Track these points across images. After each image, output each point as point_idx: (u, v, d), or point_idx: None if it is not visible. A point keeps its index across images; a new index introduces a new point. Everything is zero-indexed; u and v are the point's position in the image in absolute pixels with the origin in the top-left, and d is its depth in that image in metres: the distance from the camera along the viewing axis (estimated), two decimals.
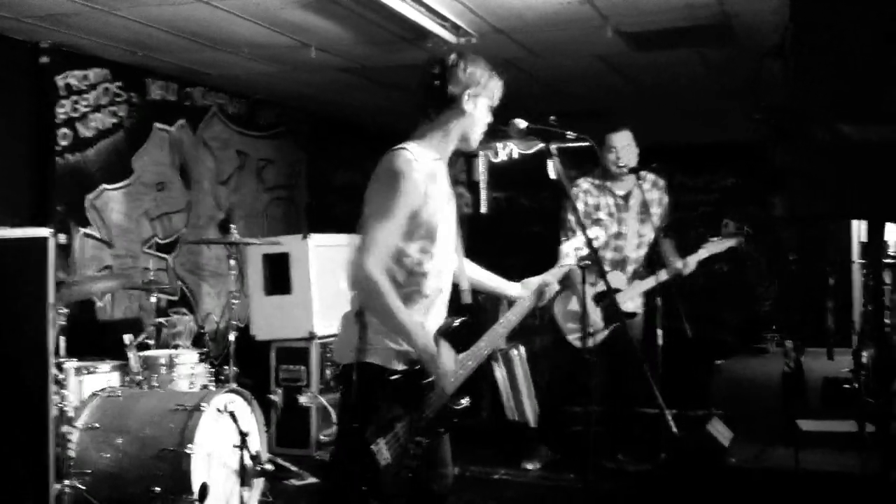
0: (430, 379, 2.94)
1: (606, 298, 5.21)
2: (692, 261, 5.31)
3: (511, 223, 11.49)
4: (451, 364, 2.94)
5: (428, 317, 3.03)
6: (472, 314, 3.18)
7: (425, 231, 2.96)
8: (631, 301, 5.38)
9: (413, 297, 2.98)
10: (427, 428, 3.00)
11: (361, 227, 2.90)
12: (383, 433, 2.92)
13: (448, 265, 3.11)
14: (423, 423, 2.99)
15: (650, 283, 5.37)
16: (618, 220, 5.40)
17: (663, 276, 5.31)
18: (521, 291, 3.34)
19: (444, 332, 3.02)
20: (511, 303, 3.41)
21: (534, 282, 3.34)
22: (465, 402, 3.06)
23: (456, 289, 3.24)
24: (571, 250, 3.44)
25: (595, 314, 5.34)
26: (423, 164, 2.92)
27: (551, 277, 3.36)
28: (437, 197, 2.98)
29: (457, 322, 3.08)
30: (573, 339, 5.43)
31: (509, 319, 3.28)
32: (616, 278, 5.36)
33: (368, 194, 2.96)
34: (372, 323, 2.93)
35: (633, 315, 5.40)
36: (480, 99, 3.06)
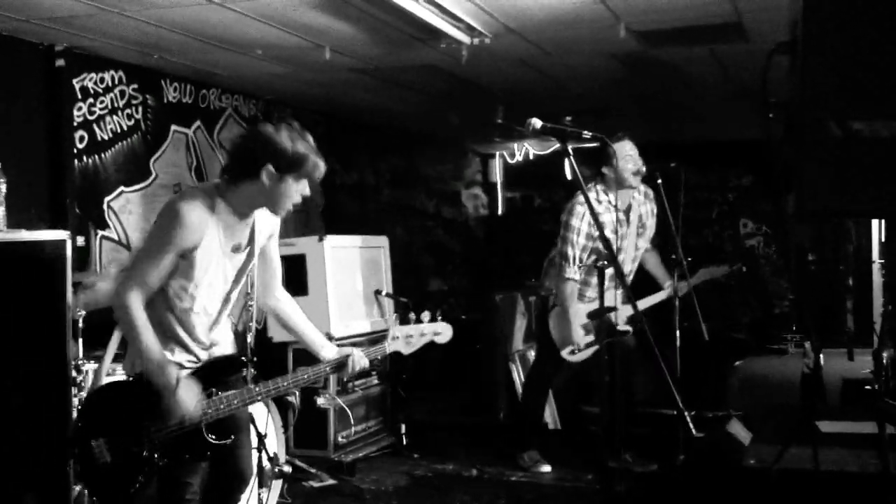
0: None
1: (600, 316, 5.23)
2: (687, 285, 5.34)
3: (525, 222, 11.49)
4: (190, 399, 3.05)
5: (190, 344, 3.22)
6: (259, 354, 3.39)
7: (189, 272, 3.13)
8: (622, 320, 5.40)
9: (175, 323, 3.18)
10: (168, 447, 3.11)
11: (133, 254, 3.10)
12: (106, 434, 3.11)
13: (215, 305, 3.26)
14: (158, 438, 3.10)
15: (652, 301, 5.40)
16: (620, 236, 5.36)
17: (659, 297, 5.37)
18: (331, 355, 3.43)
19: (214, 363, 3.24)
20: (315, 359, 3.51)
21: (345, 352, 3.43)
22: (227, 441, 3.19)
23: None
24: (402, 335, 3.50)
25: (585, 330, 5.40)
26: (210, 209, 3.09)
27: (364, 356, 3.43)
28: (215, 247, 3.14)
29: (224, 357, 3.30)
30: (565, 353, 5.48)
31: (299, 378, 3.38)
32: (612, 296, 5.36)
33: (153, 224, 3.21)
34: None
35: (625, 333, 5.41)
36: (286, 176, 3.10)
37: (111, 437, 3.11)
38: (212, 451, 3.18)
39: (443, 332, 3.57)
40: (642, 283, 5.67)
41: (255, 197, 3.15)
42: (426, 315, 3.53)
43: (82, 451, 3.15)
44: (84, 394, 4.50)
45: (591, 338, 5.43)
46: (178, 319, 3.20)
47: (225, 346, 3.37)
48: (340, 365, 3.39)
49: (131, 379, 3.20)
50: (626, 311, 5.35)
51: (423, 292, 9.97)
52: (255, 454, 4.46)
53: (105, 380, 3.87)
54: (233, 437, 3.22)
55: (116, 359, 5.10)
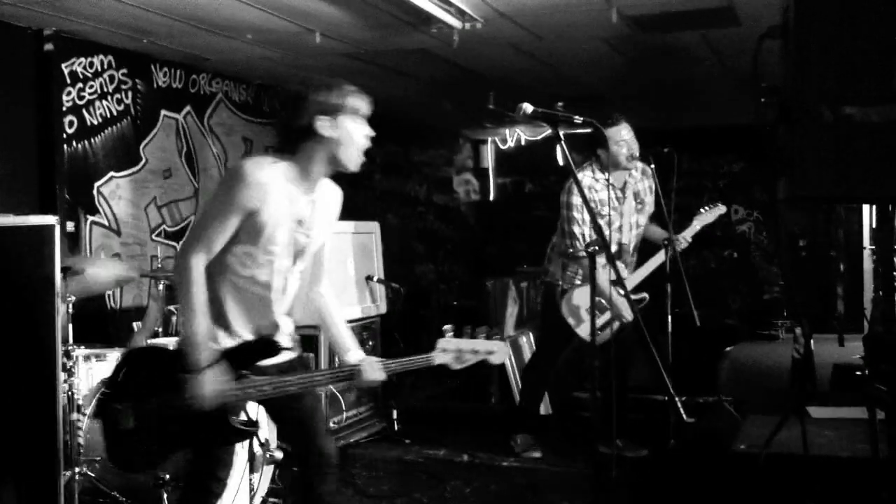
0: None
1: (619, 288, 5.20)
2: (687, 234, 5.38)
3: (517, 208, 11.49)
4: (211, 386, 2.96)
5: (244, 318, 3.12)
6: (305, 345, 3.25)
7: (255, 237, 3.02)
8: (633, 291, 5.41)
9: (231, 298, 3.09)
10: (190, 424, 3.01)
11: (196, 216, 2.99)
12: (133, 399, 3.03)
13: (278, 280, 3.14)
14: (176, 411, 2.99)
15: (651, 266, 5.43)
16: (619, 213, 5.41)
17: (661, 257, 5.39)
18: (353, 359, 3.29)
19: (243, 348, 3.10)
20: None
21: (360, 359, 3.27)
22: (254, 429, 3.13)
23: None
24: (452, 348, 3.27)
25: (618, 303, 5.38)
26: (276, 175, 3.00)
27: (380, 368, 3.21)
28: (282, 212, 3.03)
29: (275, 343, 3.16)
30: (584, 333, 5.46)
31: (321, 377, 3.43)
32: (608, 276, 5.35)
33: (217, 187, 3.11)
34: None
35: (641, 302, 5.42)
36: (340, 119, 3.04)
37: (136, 404, 3.03)
38: (236, 436, 3.10)
39: (497, 350, 3.32)
40: (641, 255, 5.68)
41: (324, 154, 3.06)
42: (484, 331, 3.39)
43: (107, 412, 3.08)
44: (74, 380, 4.49)
45: (604, 318, 5.38)
46: (237, 292, 3.09)
47: (283, 336, 3.25)
48: (350, 375, 3.23)
49: (170, 348, 3.12)
50: (632, 281, 5.38)
51: (412, 277, 9.96)
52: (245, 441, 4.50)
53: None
54: (261, 431, 3.15)
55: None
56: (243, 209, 2.96)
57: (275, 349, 3.18)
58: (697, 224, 5.54)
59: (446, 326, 3.20)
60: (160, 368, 3.08)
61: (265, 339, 3.16)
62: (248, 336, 3.14)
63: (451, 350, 3.27)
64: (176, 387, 2.97)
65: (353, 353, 3.31)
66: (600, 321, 5.41)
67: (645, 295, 5.45)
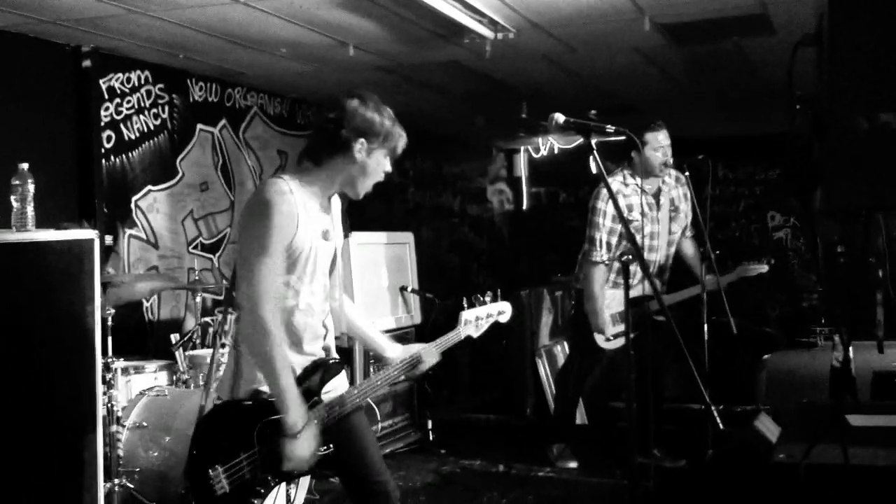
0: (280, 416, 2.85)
1: (638, 306, 5.17)
2: (724, 281, 5.24)
3: (551, 218, 11.47)
4: (309, 447, 2.84)
5: (298, 349, 2.99)
6: (345, 358, 3.12)
7: (292, 265, 2.90)
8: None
9: (290, 324, 2.93)
10: (276, 467, 2.90)
11: (241, 264, 2.86)
12: (224, 461, 2.91)
13: (319, 300, 3.03)
14: (271, 460, 2.89)
15: (679, 297, 5.35)
16: (651, 220, 5.33)
17: (693, 291, 5.32)
18: (395, 354, 3.23)
19: (314, 368, 2.99)
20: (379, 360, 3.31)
21: (413, 349, 3.22)
22: (323, 449, 2.94)
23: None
24: (472, 318, 3.31)
25: (618, 318, 5.36)
26: (296, 196, 2.87)
27: (435, 351, 3.21)
28: (307, 230, 2.90)
29: (330, 362, 3.06)
30: (600, 340, 5.44)
31: (383, 377, 3.16)
32: (642, 288, 5.30)
33: (243, 226, 2.95)
34: (247, 357, 2.93)
35: (661, 323, 5.36)
36: (376, 150, 2.97)
37: (227, 465, 2.92)
38: (315, 463, 2.97)
39: (505, 310, 3.43)
40: (678, 275, 5.63)
41: (345, 175, 2.97)
42: (489, 295, 3.43)
43: (199, 481, 2.94)
44: (114, 392, 4.56)
45: (621, 327, 5.37)
46: (283, 324, 2.91)
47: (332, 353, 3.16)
48: (412, 366, 3.19)
49: (246, 402, 2.97)
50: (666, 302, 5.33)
51: (446, 287, 9.96)
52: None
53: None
54: (331, 446, 2.96)
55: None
56: (283, 241, 2.84)
57: (338, 367, 3.09)
58: (736, 276, 5.44)
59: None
60: (241, 424, 2.95)
61: (325, 359, 3.07)
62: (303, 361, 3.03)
63: (472, 320, 3.32)
64: (267, 439, 2.89)
65: (391, 347, 3.28)
66: (616, 329, 5.39)
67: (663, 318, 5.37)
